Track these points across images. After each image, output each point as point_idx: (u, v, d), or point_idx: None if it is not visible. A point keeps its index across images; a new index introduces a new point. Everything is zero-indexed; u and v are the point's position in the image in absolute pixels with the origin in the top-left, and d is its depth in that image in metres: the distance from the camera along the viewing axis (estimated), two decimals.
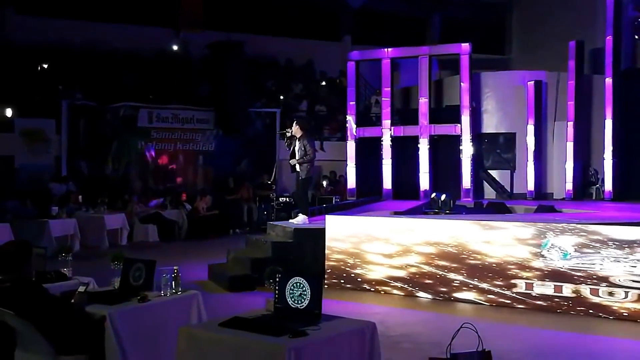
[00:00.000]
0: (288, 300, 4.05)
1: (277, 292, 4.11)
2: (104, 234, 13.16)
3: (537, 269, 7.44)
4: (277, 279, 4.12)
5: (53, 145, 16.57)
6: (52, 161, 16.54)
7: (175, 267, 4.92)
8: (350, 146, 16.19)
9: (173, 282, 4.82)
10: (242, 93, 17.68)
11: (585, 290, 7.15)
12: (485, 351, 3.24)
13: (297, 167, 10.18)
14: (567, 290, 7.25)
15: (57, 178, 15.71)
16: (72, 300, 4.28)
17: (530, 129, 15.92)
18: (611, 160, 15.20)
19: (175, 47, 20.27)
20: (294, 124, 10.20)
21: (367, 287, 8.62)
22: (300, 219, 10.16)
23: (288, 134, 10.25)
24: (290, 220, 10.54)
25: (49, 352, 3.93)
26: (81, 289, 4.36)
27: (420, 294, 8.23)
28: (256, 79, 19.51)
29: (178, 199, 15.95)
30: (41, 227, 11.75)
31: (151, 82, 18.33)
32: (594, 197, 15.92)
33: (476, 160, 15.76)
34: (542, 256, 7.41)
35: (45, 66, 17.99)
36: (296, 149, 10.12)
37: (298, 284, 4.04)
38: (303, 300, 4.00)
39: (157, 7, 20.06)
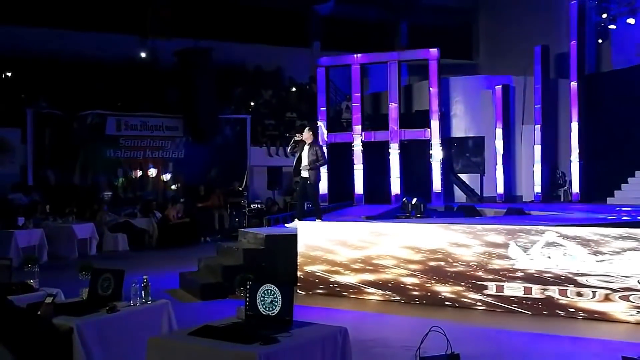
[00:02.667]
0: (259, 307, 4.03)
1: (248, 299, 4.09)
2: (74, 244, 12.97)
3: (506, 271, 7.52)
4: (248, 287, 4.09)
5: (18, 155, 16.28)
6: (17, 171, 16.25)
7: (144, 277, 4.86)
8: None
9: (143, 292, 4.76)
10: (211, 100, 17.59)
11: (554, 291, 7.25)
12: (453, 354, 3.26)
13: (305, 173, 10.17)
14: (537, 291, 7.34)
15: (18, 188, 15.37)
16: (39, 312, 4.19)
17: (499, 132, 16.14)
18: (578, 163, 15.47)
19: (143, 54, 20.08)
20: (306, 130, 10.26)
21: (340, 292, 8.61)
22: (296, 224, 10.23)
23: (297, 138, 10.33)
24: (287, 225, 10.62)
25: None
26: (48, 300, 4.28)
27: (393, 297, 8.25)
28: (225, 85, 19.41)
29: (148, 207, 15.79)
30: (7, 238, 11.53)
31: (119, 89, 18.13)
32: (562, 199, 16.18)
33: (446, 165, 15.91)
34: (511, 258, 7.49)
35: (9, 74, 17.69)
36: (303, 154, 10.13)
37: (269, 291, 4.02)
38: (274, 307, 3.98)
39: (125, 14, 19.85)
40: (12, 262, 6.12)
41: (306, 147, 10.10)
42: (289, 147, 10.69)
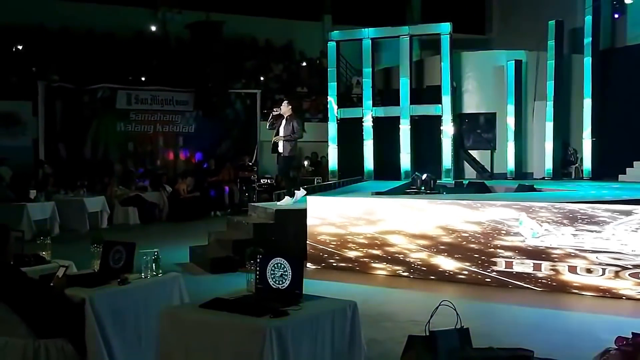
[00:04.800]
0: (269, 280, 4.04)
1: (258, 272, 4.10)
2: (85, 217, 13.07)
3: (516, 248, 7.52)
4: (258, 260, 4.11)
5: (30, 128, 16.35)
6: (29, 144, 16.33)
7: (155, 250, 4.88)
8: (332, 127, 16.19)
9: (154, 265, 4.79)
10: (221, 74, 17.53)
11: (563, 267, 7.24)
12: (463, 328, 3.26)
13: (281, 147, 10.19)
14: (546, 268, 7.34)
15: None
16: (52, 284, 4.24)
17: (511, 108, 16.01)
18: (590, 140, 15.34)
19: (153, 28, 19.98)
20: (285, 104, 10.27)
21: (349, 267, 8.65)
22: (285, 201, 10.23)
23: (275, 113, 10.32)
24: (278, 203, 10.55)
25: (28, 335, 3.90)
26: (60, 271, 4.32)
27: (402, 272, 8.28)
28: (236, 59, 19.33)
29: (159, 181, 15.85)
30: (19, 210, 11.62)
31: (130, 63, 18.09)
32: (572, 176, 16.09)
33: (457, 140, 15.82)
34: (521, 235, 7.49)
35: (20, 47, 17.68)
36: (281, 128, 10.15)
37: (279, 264, 4.03)
38: (284, 281, 4.00)
39: None
40: (24, 234, 6.18)
41: (284, 121, 10.15)
42: (268, 124, 10.70)
